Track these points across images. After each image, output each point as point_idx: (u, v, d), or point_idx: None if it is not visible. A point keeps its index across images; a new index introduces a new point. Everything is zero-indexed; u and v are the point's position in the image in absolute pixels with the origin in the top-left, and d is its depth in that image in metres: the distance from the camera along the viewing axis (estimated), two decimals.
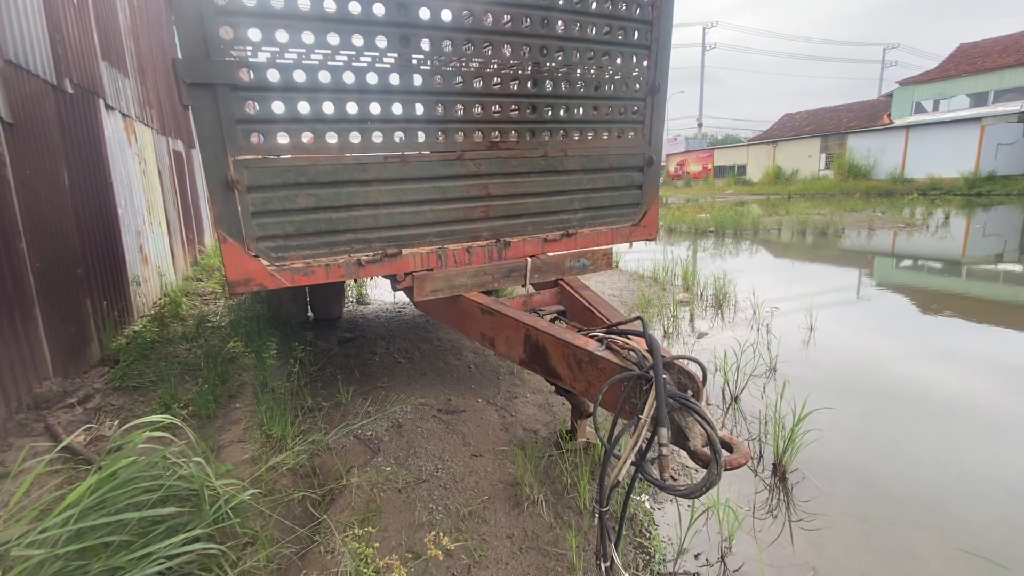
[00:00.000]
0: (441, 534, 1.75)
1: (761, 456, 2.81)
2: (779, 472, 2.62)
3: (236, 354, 4.01)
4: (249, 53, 2.29)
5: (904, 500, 2.43)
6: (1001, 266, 8.22)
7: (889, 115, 32.08)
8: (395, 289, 3.08)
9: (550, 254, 3.16)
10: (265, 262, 2.43)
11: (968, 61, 29.30)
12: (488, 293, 3.00)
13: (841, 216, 14.91)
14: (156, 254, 6.25)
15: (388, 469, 2.55)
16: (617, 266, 8.47)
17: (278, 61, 2.29)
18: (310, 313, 5.27)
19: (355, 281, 6.03)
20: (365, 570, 1.49)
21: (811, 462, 2.70)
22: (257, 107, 2.30)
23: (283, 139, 2.38)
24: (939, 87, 29.85)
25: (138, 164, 5.91)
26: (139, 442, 1.87)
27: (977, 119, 24.84)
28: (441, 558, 1.61)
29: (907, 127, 27.93)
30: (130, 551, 1.66)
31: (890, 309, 5.93)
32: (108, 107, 5.02)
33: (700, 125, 53.13)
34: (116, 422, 2.98)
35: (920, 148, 26.95)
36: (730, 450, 1.47)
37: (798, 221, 13.56)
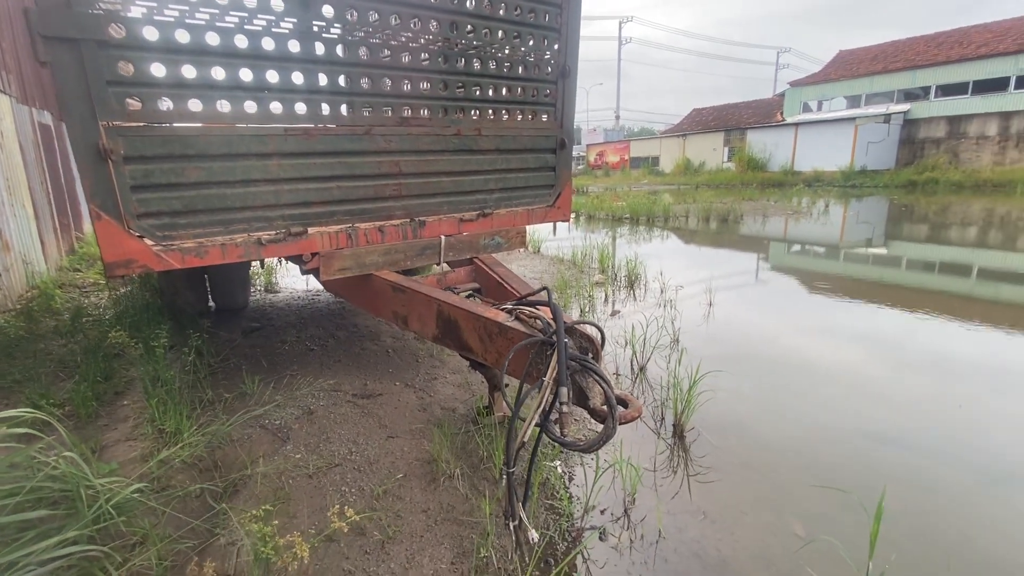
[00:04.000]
0: (346, 507, 1.72)
1: (663, 419, 3.03)
2: (678, 432, 2.85)
3: (123, 348, 3.64)
4: (120, 7, 2.06)
5: (781, 448, 2.74)
6: (871, 250, 9.39)
7: (781, 113, 35.24)
8: (303, 272, 2.95)
9: (465, 233, 3.16)
10: (149, 241, 2.22)
11: (845, 66, 32.83)
12: (407, 273, 2.96)
13: (740, 204, 16.25)
14: (20, 241, 5.47)
15: (298, 456, 2.46)
16: (539, 251, 8.66)
17: (156, 18, 2.08)
18: (211, 303, 4.89)
19: (262, 267, 5.67)
20: (264, 549, 1.44)
21: (706, 421, 2.95)
22: (132, 68, 2.08)
23: (165, 105, 2.17)
24: (822, 89, 33.22)
25: None
26: None
27: (852, 119, 28.00)
28: (346, 530, 1.59)
29: (796, 125, 30.89)
30: None
31: (778, 288, 6.59)
32: None
33: (617, 117, 55.24)
34: None
35: (807, 144, 29.95)
36: (625, 406, 1.57)
37: (703, 209, 14.59)
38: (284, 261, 5.99)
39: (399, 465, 2.43)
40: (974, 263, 7.84)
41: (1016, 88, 24.66)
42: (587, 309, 5.19)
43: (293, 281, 6.33)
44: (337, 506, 1.75)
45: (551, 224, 3.78)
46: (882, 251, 9.23)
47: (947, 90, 27.21)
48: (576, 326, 1.69)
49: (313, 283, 6.00)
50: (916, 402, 3.28)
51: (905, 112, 28.27)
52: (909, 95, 28.95)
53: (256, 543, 1.48)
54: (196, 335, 3.28)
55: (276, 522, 1.69)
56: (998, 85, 25.24)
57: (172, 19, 2.12)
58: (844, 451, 2.72)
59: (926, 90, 28.01)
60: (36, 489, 1.69)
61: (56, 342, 3.90)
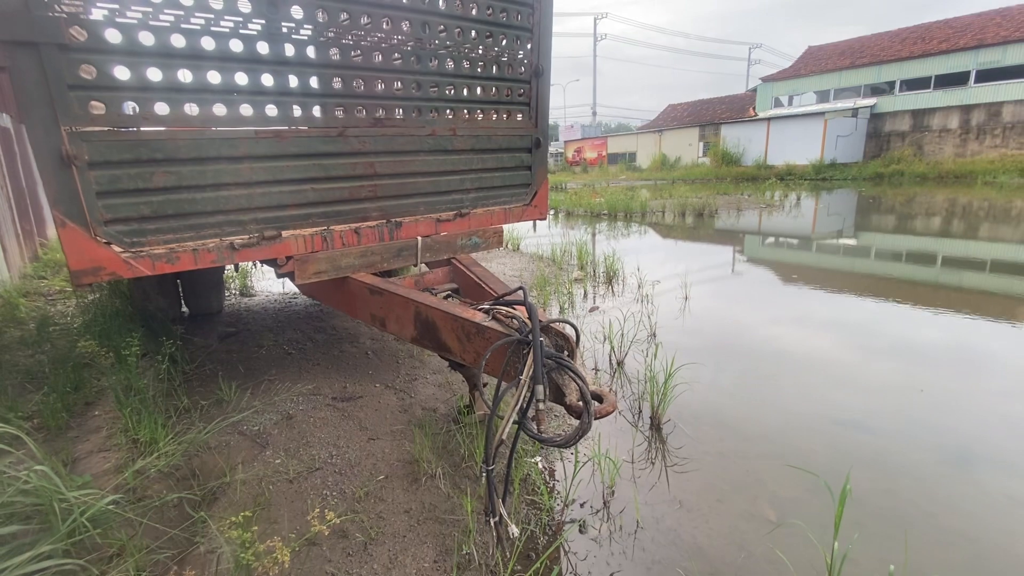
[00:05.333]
0: (326, 510, 1.72)
1: (641, 411, 3.09)
2: (655, 424, 2.92)
3: (92, 357, 3.55)
4: (80, 9, 2.01)
5: (754, 437, 2.83)
6: (841, 241, 9.67)
7: (754, 108, 35.91)
8: (279, 275, 2.92)
9: (442, 234, 3.17)
10: (118, 248, 2.18)
11: (814, 62, 33.60)
12: (385, 275, 2.96)
13: (715, 199, 16.53)
14: None
15: (277, 461, 2.45)
16: (518, 249, 8.69)
17: (118, 20, 2.04)
18: (184, 308, 4.80)
19: (236, 270, 5.58)
20: (244, 555, 1.44)
21: (682, 413, 3.03)
22: (95, 71, 2.03)
23: (130, 109, 2.13)
24: (792, 84, 33.95)
25: None
26: None
27: (821, 113, 28.69)
28: (327, 533, 1.60)
29: (768, 119, 31.52)
30: None
31: (752, 280, 6.75)
32: None
33: (594, 113, 55.55)
34: None
35: (779, 138, 30.59)
36: (601, 401, 1.61)
37: (679, 204, 14.81)
38: (259, 264, 5.90)
39: (380, 467, 2.44)
40: (937, 252, 8.15)
41: (976, 82, 25.58)
42: (566, 305, 5.24)
43: (269, 284, 6.25)
44: (317, 510, 1.75)
45: (530, 222, 3.82)
46: (851, 242, 9.52)
47: (911, 84, 28.09)
48: (551, 324, 1.73)
49: (290, 286, 5.92)
50: (882, 387, 3.41)
51: (871, 106, 29.09)
52: (875, 90, 29.80)
53: (236, 549, 1.47)
54: (169, 342, 3.22)
55: (256, 528, 1.69)
56: (959, 79, 26.16)
57: (136, 21, 2.08)
58: (814, 437, 2.82)
59: (891, 85, 28.86)
60: (7, 504, 1.66)
61: (22, 353, 3.78)
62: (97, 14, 2.03)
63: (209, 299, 4.78)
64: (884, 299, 5.46)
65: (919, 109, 27.44)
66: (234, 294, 5.73)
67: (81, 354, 3.49)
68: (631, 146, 42.13)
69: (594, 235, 10.73)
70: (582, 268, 6.90)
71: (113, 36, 2.03)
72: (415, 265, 3.05)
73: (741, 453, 2.66)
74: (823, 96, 32.48)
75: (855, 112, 28.95)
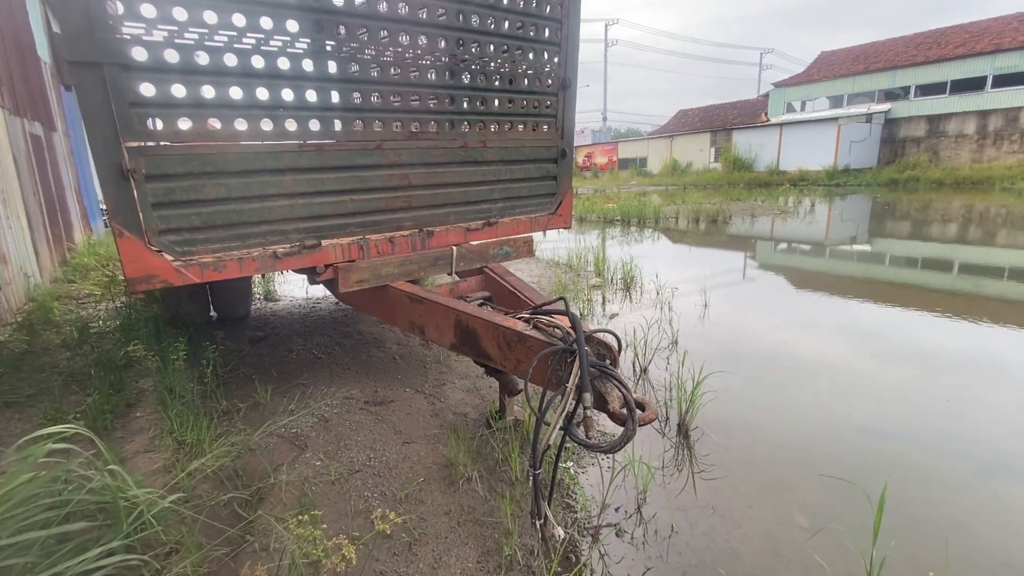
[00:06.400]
0: (387, 510, 1.80)
1: (667, 419, 3.14)
2: (683, 431, 2.96)
3: (132, 359, 3.67)
4: (143, 31, 2.12)
5: (781, 443, 2.86)
6: (855, 247, 9.63)
7: (766, 113, 35.78)
8: (313, 282, 3.01)
9: (473, 243, 3.25)
10: (170, 257, 2.28)
11: (827, 67, 33.45)
12: (413, 282, 3.04)
13: (728, 205, 16.50)
14: (17, 253, 5.45)
15: (318, 463, 2.52)
16: (534, 254, 8.76)
17: (177, 41, 2.15)
18: (213, 312, 4.91)
19: (263, 277, 5.71)
20: (314, 551, 1.51)
21: (709, 420, 3.07)
22: (154, 90, 2.14)
23: (185, 125, 2.23)
24: (805, 90, 33.81)
25: None
26: (40, 456, 1.71)
27: (834, 119, 28.53)
28: (389, 531, 1.67)
29: (781, 125, 31.40)
30: (35, 572, 1.53)
31: (770, 286, 6.76)
32: None
33: (605, 119, 55.61)
34: None
35: (791, 144, 30.46)
36: (643, 409, 1.67)
37: (692, 210, 14.80)
38: (287, 271, 6.03)
39: (417, 469, 2.51)
40: (955, 258, 8.09)
41: (993, 87, 25.32)
42: (586, 312, 5.29)
43: (291, 289, 6.36)
44: (379, 511, 1.82)
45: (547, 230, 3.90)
46: (866, 248, 9.48)
47: (926, 90, 27.86)
48: (594, 334, 1.79)
49: (312, 291, 6.04)
50: (907, 396, 3.43)
51: (886, 111, 28.88)
52: (890, 95, 29.59)
53: (305, 546, 1.55)
54: (211, 347, 3.33)
55: (325, 526, 1.76)
56: (975, 84, 25.91)
57: (192, 41, 2.18)
58: (839, 445, 2.85)
59: (906, 90, 28.65)
60: (77, 502, 1.74)
61: (62, 355, 3.91)
62: (157, 35, 2.13)
63: (237, 304, 4.90)
64: (904, 306, 5.45)
65: (935, 114, 27.20)
66: (259, 299, 5.85)
67: (123, 356, 3.61)
68: (642, 151, 42.14)
69: (608, 241, 10.77)
70: (599, 274, 6.94)
71: (171, 56, 2.14)
72: (449, 274, 3.13)
73: (768, 460, 2.70)
74: (836, 101, 32.30)
75: (869, 117, 28.76)
